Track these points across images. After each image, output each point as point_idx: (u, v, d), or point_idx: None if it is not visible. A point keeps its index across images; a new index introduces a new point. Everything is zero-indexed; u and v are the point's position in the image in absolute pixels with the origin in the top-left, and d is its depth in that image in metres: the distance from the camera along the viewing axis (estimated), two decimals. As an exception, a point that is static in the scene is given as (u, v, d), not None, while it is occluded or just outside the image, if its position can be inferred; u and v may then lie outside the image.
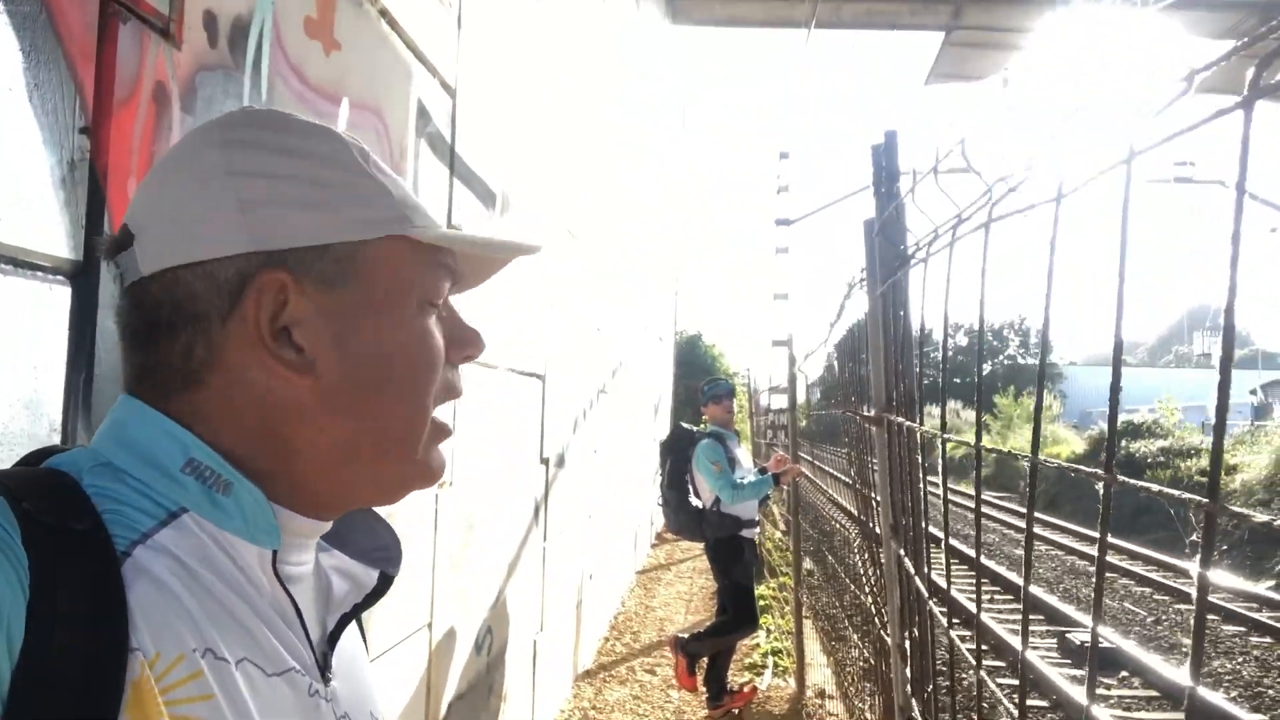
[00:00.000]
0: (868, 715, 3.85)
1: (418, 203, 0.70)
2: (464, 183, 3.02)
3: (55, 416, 1.23)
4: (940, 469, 0.96)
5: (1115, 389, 0.51)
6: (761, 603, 7.50)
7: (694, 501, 5.14)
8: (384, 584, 0.74)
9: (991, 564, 10.99)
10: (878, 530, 2.62)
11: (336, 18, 2.05)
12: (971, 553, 11.45)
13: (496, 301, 3.41)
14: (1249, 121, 0.50)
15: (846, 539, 6.17)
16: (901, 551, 1.26)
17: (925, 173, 1.22)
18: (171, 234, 0.62)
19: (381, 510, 0.77)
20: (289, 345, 0.63)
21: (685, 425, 5.53)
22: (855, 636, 3.93)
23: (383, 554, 0.76)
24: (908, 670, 1.26)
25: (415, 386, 0.67)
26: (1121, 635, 7.63)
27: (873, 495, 2.25)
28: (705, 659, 5.26)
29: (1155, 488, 0.53)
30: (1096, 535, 8.52)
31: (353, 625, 0.77)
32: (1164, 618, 8.79)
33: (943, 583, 6.64)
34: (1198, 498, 0.41)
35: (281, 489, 0.63)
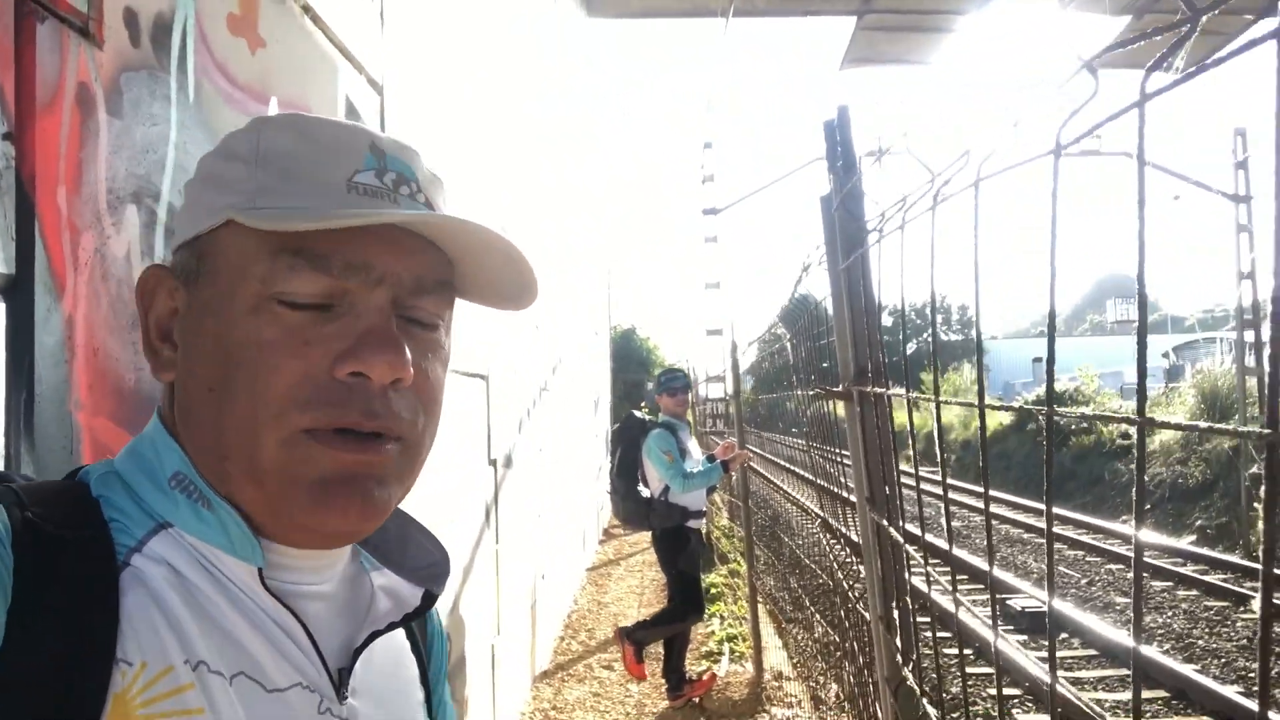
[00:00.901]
0: (832, 689, 3.90)
1: (311, 187, 0.60)
2: (398, 182, 2.95)
3: (-6, 438, 1.16)
4: (937, 436, 0.97)
5: (1142, 345, 0.51)
6: (713, 590, 7.54)
7: (642, 491, 5.14)
8: (428, 602, 0.71)
9: (935, 539, 11.25)
10: (842, 509, 2.64)
11: (260, 14, 1.97)
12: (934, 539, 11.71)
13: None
14: (1143, 108, 0.51)
15: (789, 524, 6.24)
16: (884, 521, 1.27)
17: (883, 150, 1.22)
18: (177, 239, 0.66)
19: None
20: (168, 343, 0.63)
21: (637, 414, 5.53)
22: (817, 615, 3.98)
23: (429, 571, 0.73)
24: (898, 640, 1.27)
25: (250, 391, 0.57)
26: (1058, 598, 7.88)
27: (842, 475, 2.27)
28: (659, 648, 5.26)
29: (1203, 424, 0.53)
30: (1027, 503, 8.89)
31: (399, 645, 0.74)
32: (1096, 579, 9.10)
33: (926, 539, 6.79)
34: (1241, 429, 0.41)
35: (245, 510, 0.60)
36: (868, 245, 1.31)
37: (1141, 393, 0.54)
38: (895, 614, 1.28)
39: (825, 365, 2.05)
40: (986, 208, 0.82)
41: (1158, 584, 8.63)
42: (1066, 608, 7.36)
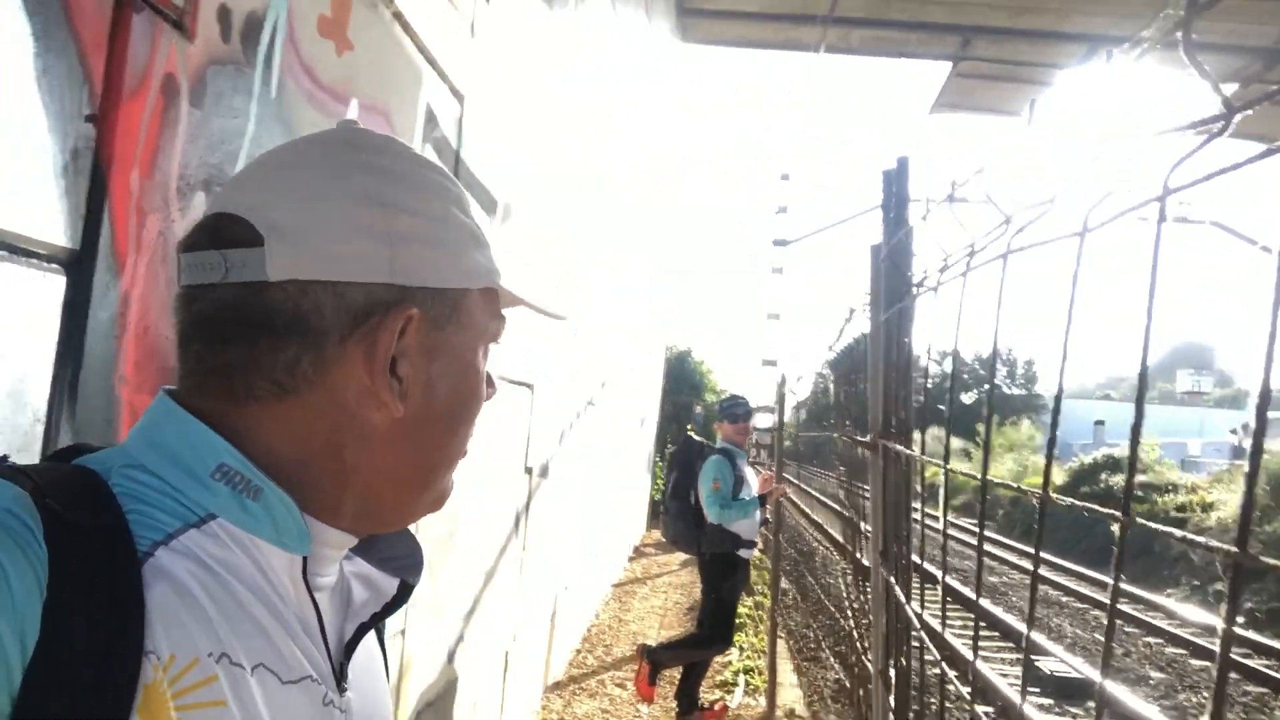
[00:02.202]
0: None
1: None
2: (467, 188, 3.00)
3: (40, 407, 1.21)
4: (941, 500, 0.96)
5: (1135, 443, 0.51)
6: (737, 620, 7.49)
7: (696, 513, 5.16)
8: (404, 593, 0.74)
9: (971, 594, 11.00)
10: (864, 561, 2.61)
11: (351, 18, 2.04)
12: (959, 585, 11.48)
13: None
14: None
15: (826, 561, 6.16)
16: (891, 579, 1.26)
17: (940, 199, 1.22)
18: (314, 247, 0.62)
19: None
20: (394, 376, 0.65)
21: (696, 438, 5.55)
22: (831, 659, 3.93)
23: (404, 562, 0.76)
24: (891, 699, 1.26)
25: (468, 424, 0.70)
26: (1091, 666, 7.65)
27: (862, 522, 2.25)
28: (677, 672, 5.23)
29: (1178, 533, 0.53)
30: (1070, 566, 8.60)
31: (371, 635, 0.77)
32: (1133, 649, 8.82)
33: (931, 617, 6.65)
34: (1226, 547, 0.41)
35: (324, 503, 0.64)
36: (904, 301, 1.30)
37: (1129, 490, 0.53)
38: (892, 673, 1.27)
39: (860, 415, 2.04)
40: (1054, 262, 0.81)
41: (1196, 662, 8.34)
42: (1098, 675, 7.14)
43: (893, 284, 1.44)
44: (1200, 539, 0.46)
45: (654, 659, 5.09)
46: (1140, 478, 18.32)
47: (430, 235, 0.66)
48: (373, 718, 0.71)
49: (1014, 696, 6.22)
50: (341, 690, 0.66)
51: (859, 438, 1.56)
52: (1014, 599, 11.61)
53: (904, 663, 1.22)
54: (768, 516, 5.68)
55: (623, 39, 6.71)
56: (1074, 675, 7.01)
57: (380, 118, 2.29)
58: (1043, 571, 13.67)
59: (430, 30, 2.53)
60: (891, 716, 1.32)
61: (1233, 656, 8.25)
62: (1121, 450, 22.89)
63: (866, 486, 2.38)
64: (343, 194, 0.64)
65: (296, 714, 0.60)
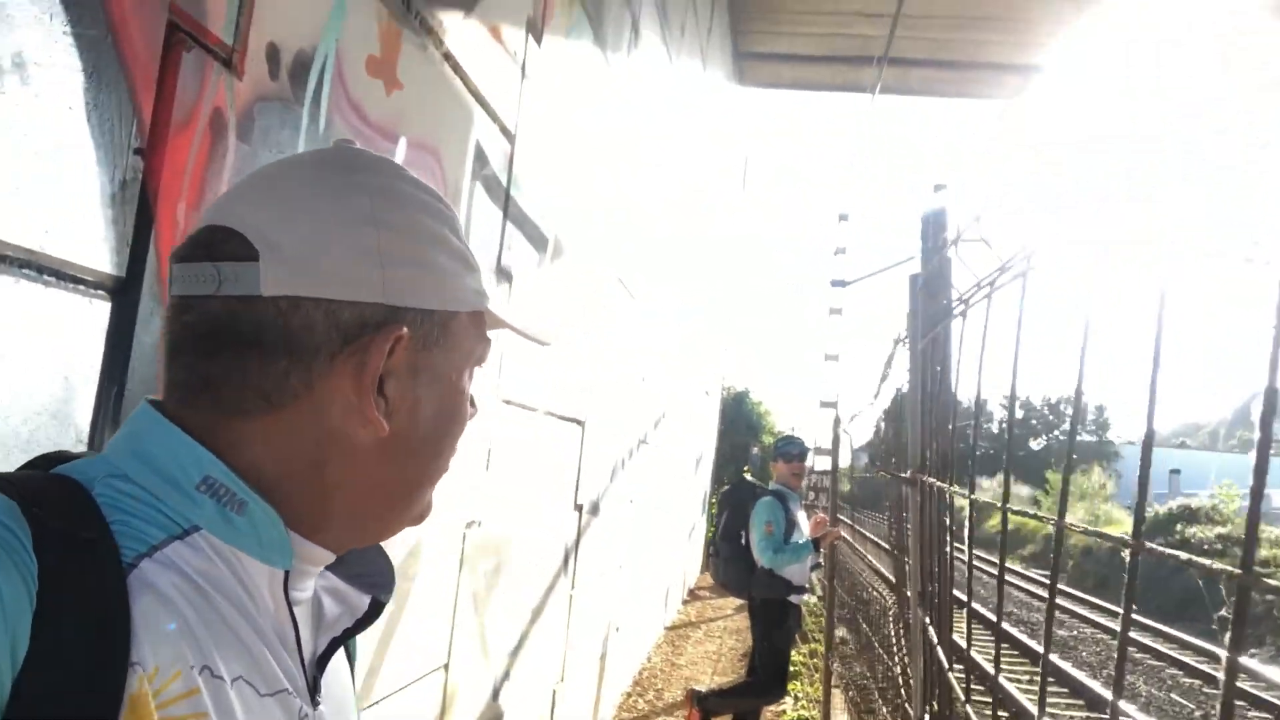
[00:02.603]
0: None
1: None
2: (517, 226, 3.05)
3: (83, 428, 1.25)
4: (966, 532, 0.93)
5: (1147, 451, 0.48)
6: (792, 668, 7.31)
7: (747, 556, 5.07)
8: (375, 610, 0.74)
9: (1027, 639, 10.60)
10: (909, 593, 2.53)
11: (400, 58, 2.09)
12: (1024, 638, 11.08)
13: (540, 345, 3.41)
14: None
15: (883, 608, 6.00)
16: (927, 619, 1.21)
17: (966, 226, 1.19)
18: (307, 264, 0.62)
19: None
20: (381, 395, 0.65)
21: (748, 479, 5.49)
22: (885, 710, 3.80)
23: (374, 579, 0.76)
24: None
25: (451, 444, 0.72)
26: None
27: (906, 560, 2.18)
28: (728, 718, 5.11)
29: (1184, 555, 0.49)
30: (1146, 622, 8.22)
31: (342, 652, 0.78)
32: (1212, 712, 8.37)
33: (984, 660, 6.41)
34: (1229, 568, 0.38)
35: (306, 518, 0.65)
36: (938, 326, 1.27)
37: (1139, 515, 0.50)
38: (927, 717, 1.21)
39: (894, 460, 1.99)
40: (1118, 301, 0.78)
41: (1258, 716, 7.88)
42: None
43: (929, 311, 1.41)
44: (1203, 560, 0.43)
45: (704, 706, 4.99)
46: (1220, 529, 17.55)
47: (423, 257, 0.67)
48: None
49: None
50: (315, 703, 0.67)
51: (900, 474, 1.52)
52: (1084, 654, 11.14)
53: (935, 707, 1.17)
54: (820, 561, 5.56)
55: (679, 82, 6.78)
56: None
57: (430, 156, 2.33)
58: (1111, 624, 13.13)
59: (480, 70, 2.58)
60: (929, 765, 1.26)
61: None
62: (1199, 500, 21.97)
63: (909, 524, 2.31)
64: (339, 213, 0.64)
65: None
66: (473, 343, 0.72)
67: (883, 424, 3.66)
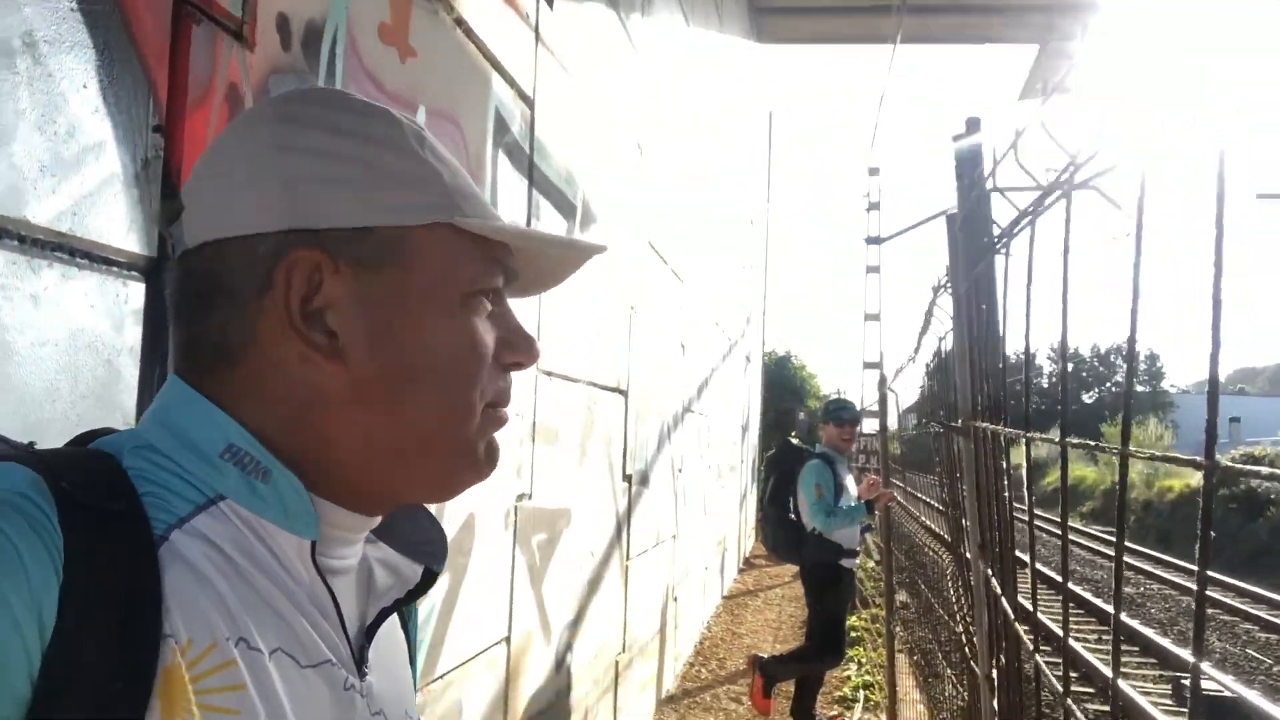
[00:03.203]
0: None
1: (475, 192, 0.67)
2: (542, 193, 3.02)
3: (130, 409, 1.24)
4: (1025, 473, 0.88)
5: (1213, 387, 0.43)
6: (854, 634, 7.28)
7: (795, 521, 5.02)
8: (428, 579, 0.72)
9: (1092, 597, 10.42)
10: (967, 554, 2.47)
11: (412, 24, 2.06)
12: (1089, 596, 10.89)
13: (579, 315, 3.39)
14: None
15: (941, 569, 5.92)
16: (990, 571, 1.16)
17: (1005, 150, 1.13)
18: (217, 206, 0.61)
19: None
20: (320, 329, 0.61)
21: (795, 442, 5.41)
22: (950, 672, 3.74)
23: (427, 548, 0.73)
24: (995, 703, 1.15)
25: (456, 381, 0.64)
26: (1245, 684, 7.10)
27: (963, 516, 2.12)
28: (791, 684, 5.10)
29: (1265, 470, 0.44)
30: (1218, 577, 8.00)
31: (394, 620, 0.75)
32: (1288, 661, 8.17)
33: (1029, 605, 6.29)
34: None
35: (319, 479, 0.62)
36: (990, 260, 1.21)
37: (1211, 436, 0.45)
38: (995, 674, 1.17)
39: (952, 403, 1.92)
40: (1164, 233, 0.73)
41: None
42: (1253, 695, 6.62)
43: (970, 250, 1.35)
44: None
45: (766, 671, 4.97)
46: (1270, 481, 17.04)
47: (335, 174, 0.62)
48: (395, 702, 0.69)
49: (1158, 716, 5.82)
50: (362, 674, 0.64)
51: (951, 424, 1.46)
52: (1152, 610, 10.93)
53: (1004, 660, 1.12)
54: (873, 524, 5.49)
55: (696, 41, 6.68)
56: (1226, 694, 6.50)
57: (450, 124, 2.31)
58: (1179, 580, 12.86)
59: (493, 35, 2.54)
60: None
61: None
62: (1262, 448, 21.39)
63: (962, 477, 2.25)
64: (243, 148, 0.62)
65: (316, 698, 0.59)
66: (454, 261, 0.64)
67: (926, 382, 3.58)
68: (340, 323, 0.61)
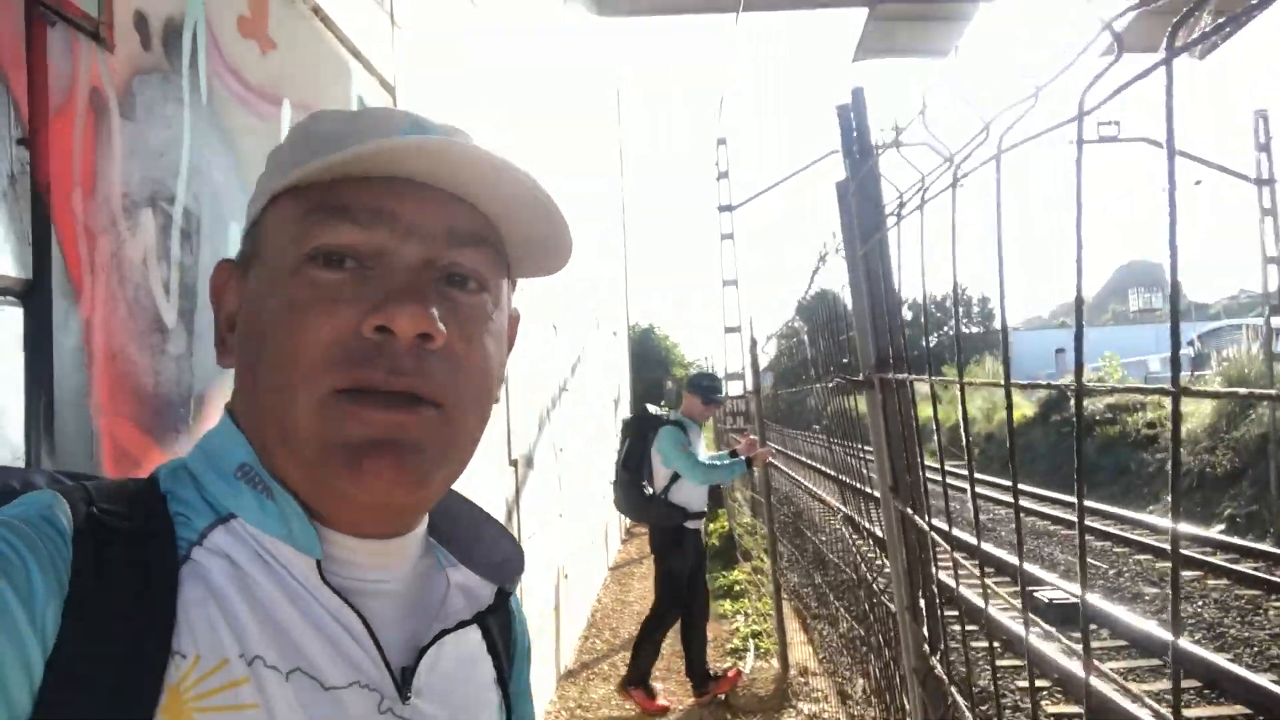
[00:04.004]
0: (858, 683, 3.87)
1: (337, 143, 0.59)
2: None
3: (17, 442, 1.16)
4: (963, 421, 0.95)
5: (1175, 315, 0.49)
6: (737, 587, 7.53)
7: (647, 485, 5.11)
8: (500, 599, 0.70)
9: (961, 533, 11.16)
10: (865, 504, 2.61)
11: (270, 16, 1.97)
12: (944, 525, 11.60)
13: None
14: (1170, 76, 0.50)
15: (812, 520, 6.21)
16: (908, 509, 1.25)
17: (888, 143, 1.20)
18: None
19: None
20: (233, 332, 0.64)
21: (651, 408, 5.49)
22: (841, 610, 3.95)
23: (503, 567, 0.71)
24: (924, 630, 1.25)
25: (275, 362, 0.57)
26: (1088, 590, 7.78)
27: (863, 467, 2.25)
28: (675, 655, 5.22)
29: (1242, 391, 0.52)
30: (1054, 495, 8.68)
31: (473, 644, 0.71)
32: (1125, 569, 8.99)
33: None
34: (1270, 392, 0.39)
35: (296, 493, 0.60)
36: (885, 229, 1.29)
37: (1176, 363, 0.52)
38: (921, 603, 1.26)
39: (845, 361, 2.03)
40: (1001, 197, 0.80)
41: (1188, 573, 8.50)
42: (1095, 599, 7.28)
43: (866, 215, 1.43)
44: (1242, 390, 0.44)
45: (634, 681, 5.04)
46: (1107, 400, 18.63)
47: (259, 189, 0.65)
48: None
49: (1016, 627, 6.32)
50: (404, 697, 0.61)
51: (852, 378, 1.55)
52: (1002, 534, 11.78)
53: (933, 591, 1.21)
54: (754, 481, 5.66)
55: (539, 15, 6.63)
56: (1071, 601, 7.12)
57: (317, 118, 2.23)
58: (1026, 503, 13.89)
59: (351, 23, 2.46)
60: (926, 647, 1.31)
61: (1219, 562, 8.47)
62: (1085, 375, 23.23)
63: (852, 443, 2.38)
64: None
65: (348, 719, 0.57)
66: (285, 229, 0.60)
67: (805, 337, 3.73)
68: (237, 325, 0.63)
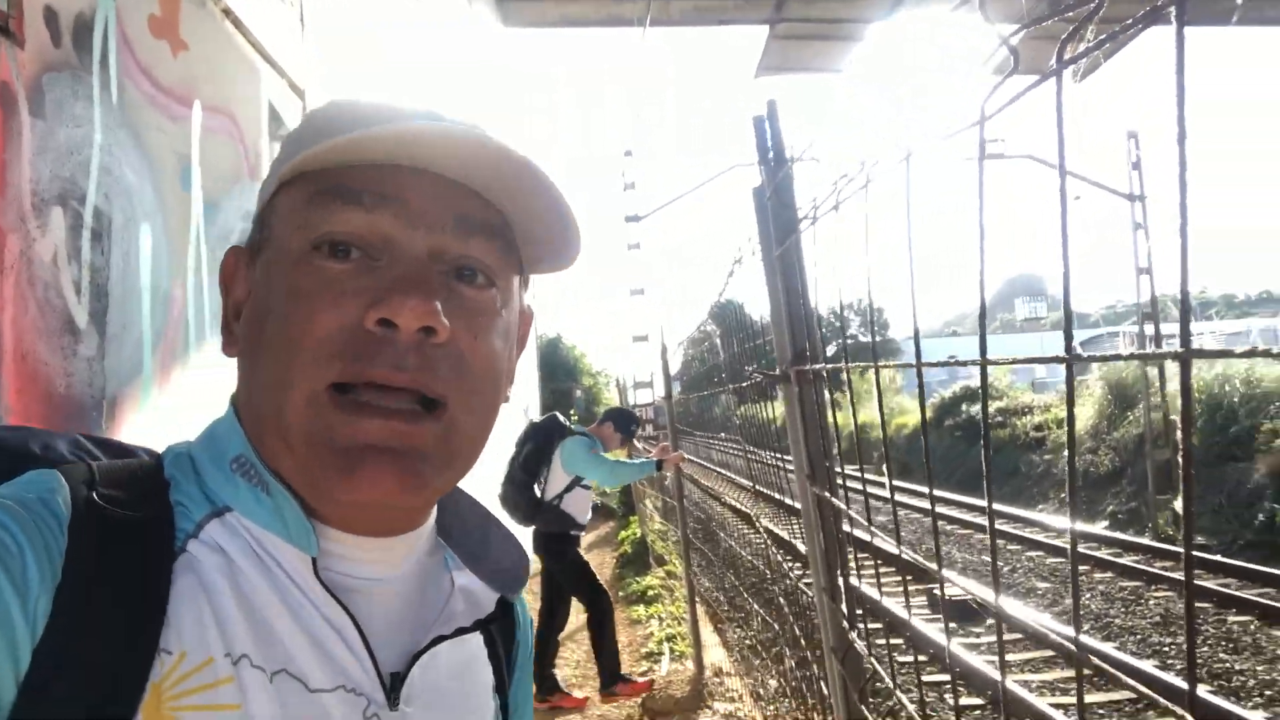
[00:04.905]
0: (770, 684, 3.97)
1: (347, 128, 0.56)
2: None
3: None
4: (920, 406, 1.02)
5: (1065, 279, 0.56)
6: (650, 591, 7.59)
7: (539, 489, 5.17)
8: (501, 609, 0.68)
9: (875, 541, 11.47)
10: (776, 509, 2.69)
11: (181, 16, 1.94)
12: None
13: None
14: (1060, 84, 0.57)
15: (723, 524, 6.32)
16: (826, 493, 1.32)
17: (799, 154, 1.27)
18: None
19: None
20: (240, 320, 0.62)
21: (560, 418, 5.51)
22: (756, 606, 4.04)
23: (504, 576, 0.69)
24: (843, 607, 1.32)
25: (282, 344, 0.55)
26: (982, 585, 8.13)
27: (776, 456, 2.33)
28: (584, 658, 5.25)
29: (1122, 356, 0.58)
30: (952, 496, 8.99)
31: (471, 650, 0.68)
32: (1018, 565, 9.42)
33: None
34: (1166, 351, 0.46)
35: (291, 486, 0.58)
36: (799, 233, 1.36)
37: (1069, 327, 0.58)
38: (840, 584, 1.33)
39: (762, 362, 2.11)
40: (896, 213, 0.87)
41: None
42: (989, 594, 7.60)
43: (781, 220, 1.50)
44: (1144, 352, 0.50)
45: (608, 679, 5.11)
46: (997, 404, 19.46)
47: (269, 174, 0.63)
48: None
49: (922, 627, 6.56)
50: (393, 703, 0.58)
51: (769, 373, 1.62)
52: (904, 534, 12.18)
53: (847, 576, 1.28)
54: (667, 486, 5.73)
55: (445, 24, 6.61)
56: (968, 597, 7.42)
57: (225, 118, 2.19)
58: (922, 504, 14.40)
59: (262, 25, 2.43)
60: (845, 624, 1.38)
61: (1105, 556, 8.94)
62: (975, 380, 24.23)
63: (763, 452, 2.46)
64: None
65: None
66: (294, 213, 0.58)
67: (718, 340, 3.82)
68: (243, 314, 0.61)
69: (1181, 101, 0.43)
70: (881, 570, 9.21)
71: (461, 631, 0.64)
